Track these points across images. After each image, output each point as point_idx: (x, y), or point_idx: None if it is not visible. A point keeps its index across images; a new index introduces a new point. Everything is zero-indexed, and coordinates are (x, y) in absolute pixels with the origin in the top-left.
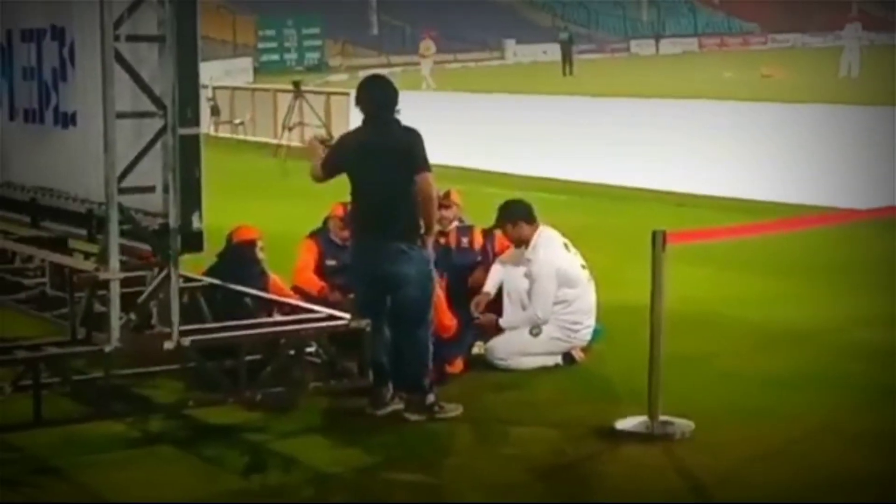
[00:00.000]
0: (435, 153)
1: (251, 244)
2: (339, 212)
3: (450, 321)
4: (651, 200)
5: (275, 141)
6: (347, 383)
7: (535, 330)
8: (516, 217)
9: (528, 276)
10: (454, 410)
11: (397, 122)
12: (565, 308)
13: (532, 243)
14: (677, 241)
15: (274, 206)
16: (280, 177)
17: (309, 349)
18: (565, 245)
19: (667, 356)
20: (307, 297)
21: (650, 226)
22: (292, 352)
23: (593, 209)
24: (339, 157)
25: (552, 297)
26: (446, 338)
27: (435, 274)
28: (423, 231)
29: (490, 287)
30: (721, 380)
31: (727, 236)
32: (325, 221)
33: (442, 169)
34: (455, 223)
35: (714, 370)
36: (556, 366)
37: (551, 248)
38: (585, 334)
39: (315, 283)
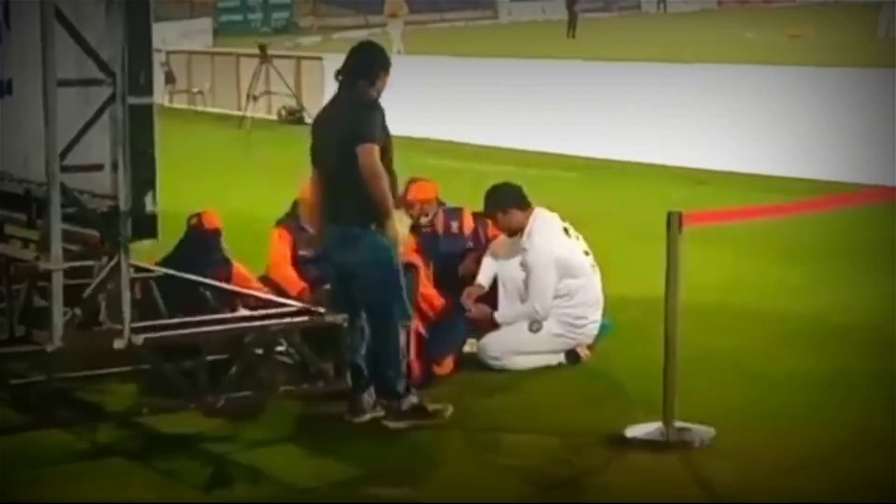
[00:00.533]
0: (417, 126)
1: (215, 233)
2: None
3: (437, 299)
4: (666, 177)
5: (238, 112)
6: (322, 386)
7: (535, 325)
8: (506, 204)
9: (523, 266)
10: (443, 411)
11: (364, 90)
12: (567, 301)
13: (526, 230)
14: (695, 223)
15: (238, 185)
16: (244, 152)
17: (279, 347)
18: (565, 230)
19: (683, 353)
20: (281, 293)
21: (665, 206)
22: (259, 350)
23: (600, 188)
24: (312, 138)
25: (552, 290)
26: (435, 317)
27: (399, 262)
28: (378, 213)
29: (483, 279)
30: (744, 379)
31: (749, 217)
32: (295, 206)
33: (426, 143)
34: (433, 209)
35: (736, 368)
36: (559, 365)
37: (548, 235)
38: (591, 329)
39: (295, 283)
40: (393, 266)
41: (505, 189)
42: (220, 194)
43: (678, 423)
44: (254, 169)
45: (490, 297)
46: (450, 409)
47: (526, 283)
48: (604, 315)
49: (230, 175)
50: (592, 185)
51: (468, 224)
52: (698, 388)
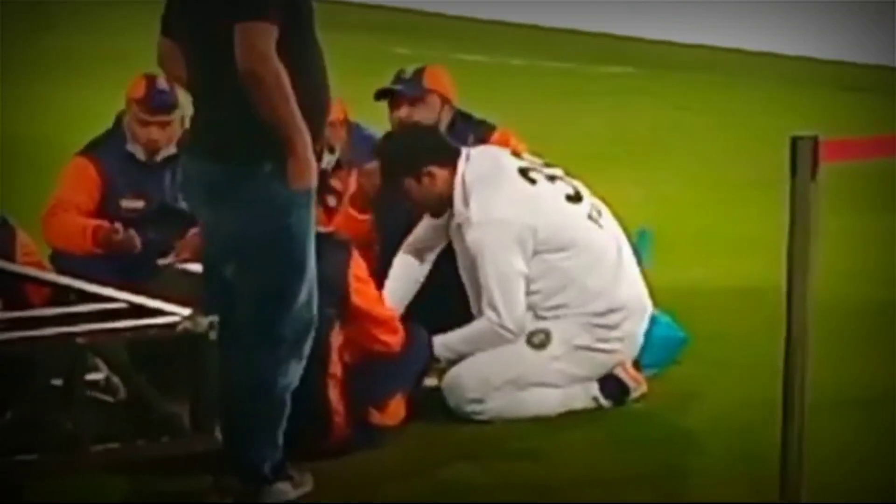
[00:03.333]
0: None
1: None
2: (141, 91)
3: (390, 317)
4: (789, 77)
5: None
6: (170, 445)
7: (538, 336)
8: (420, 161)
9: (464, 252)
10: None
11: None
12: (570, 292)
13: (457, 190)
14: (838, 159)
15: (26, 90)
16: (36, 31)
17: (91, 375)
18: (523, 172)
19: (816, 390)
20: (72, 263)
21: (788, 128)
22: (57, 380)
23: (674, 95)
24: None
25: (519, 283)
26: (374, 325)
27: (307, 234)
28: (278, 144)
29: (392, 294)
30: None
31: None
32: (119, 120)
33: (384, 15)
34: (342, 140)
35: None
36: (595, 405)
37: (496, 188)
38: (633, 330)
39: (75, 231)
40: (294, 241)
41: (413, 137)
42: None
43: None
44: (60, 69)
45: (455, 303)
46: None
47: (472, 279)
48: (677, 320)
49: (16, 79)
50: (661, 91)
51: (438, 81)
52: (840, 448)
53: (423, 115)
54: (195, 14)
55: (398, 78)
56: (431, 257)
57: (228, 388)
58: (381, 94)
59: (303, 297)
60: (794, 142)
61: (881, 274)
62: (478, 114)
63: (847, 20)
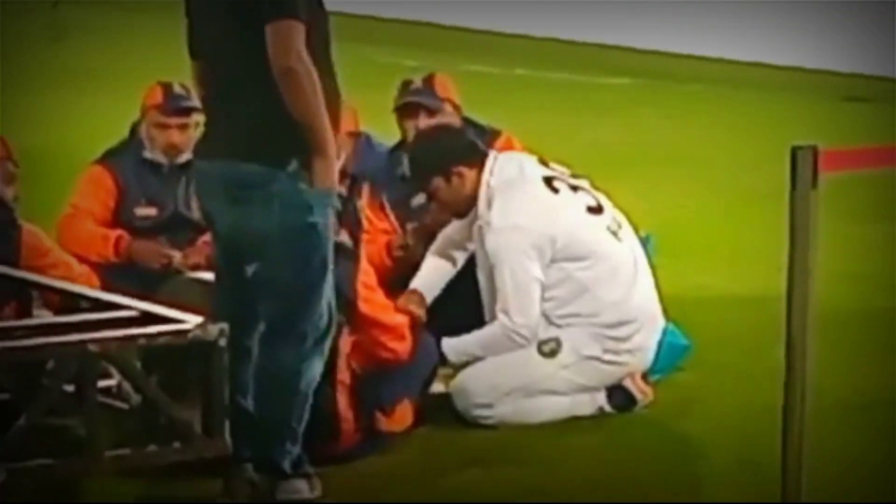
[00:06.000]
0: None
1: None
2: (158, 97)
3: (397, 324)
4: (789, 89)
5: None
6: (181, 450)
7: (548, 345)
8: (449, 160)
9: (482, 258)
10: None
11: None
12: (588, 301)
13: (482, 194)
14: (837, 168)
15: (40, 100)
16: (48, 41)
17: (105, 382)
18: (548, 181)
19: (816, 395)
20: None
21: (789, 138)
22: (70, 387)
23: (675, 108)
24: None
25: (536, 291)
26: (386, 357)
27: (330, 234)
28: (304, 143)
29: (424, 281)
30: None
31: None
32: (134, 130)
33: (386, 28)
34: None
35: None
36: (600, 413)
37: (519, 196)
38: (644, 343)
39: (94, 239)
40: (319, 239)
41: (443, 137)
42: (9, 113)
43: None
44: (66, 70)
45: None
46: None
47: (489, 283)
48: (680, 327)
49: (27, 81)
50: (664, 102)
51: (447, 89)
52: (839, 455)
53: (442, 122)
54: (212, 19)
55: (410, 89)
56: (461, 257)
57: (255, 383)
58: (403, 107)
59: (326, 295)
60: (794, 152)
61: (881, 281)
62: (484, 123)
63: (848, 31)
